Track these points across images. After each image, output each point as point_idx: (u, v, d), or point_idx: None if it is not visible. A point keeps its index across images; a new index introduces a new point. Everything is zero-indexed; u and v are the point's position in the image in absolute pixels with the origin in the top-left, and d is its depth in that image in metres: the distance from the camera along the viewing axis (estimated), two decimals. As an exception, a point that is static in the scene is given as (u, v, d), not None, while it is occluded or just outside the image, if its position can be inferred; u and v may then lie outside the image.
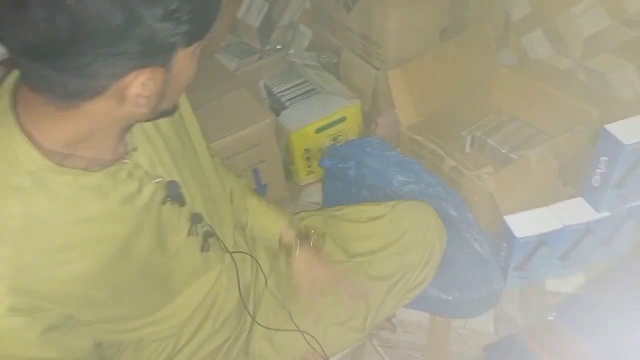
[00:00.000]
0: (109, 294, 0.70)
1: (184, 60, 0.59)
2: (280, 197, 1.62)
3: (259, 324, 0.98)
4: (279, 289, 1.05)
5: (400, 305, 1.09)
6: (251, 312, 0.99)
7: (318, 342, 0.99)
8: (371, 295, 1.04)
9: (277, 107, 1.73)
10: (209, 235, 0.84)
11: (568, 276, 1.35)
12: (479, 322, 1.32)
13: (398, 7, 1.45)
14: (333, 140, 1.65)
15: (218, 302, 0.92)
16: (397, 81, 1.46)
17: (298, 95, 1.75)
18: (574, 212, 1.23)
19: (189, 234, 0.80)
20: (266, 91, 1.87)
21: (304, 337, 0.99)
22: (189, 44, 0.58)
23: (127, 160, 0.68)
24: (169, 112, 0.68)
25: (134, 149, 0.70)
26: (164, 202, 0.74)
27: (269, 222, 1.02)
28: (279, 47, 1.93)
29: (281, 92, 1.78)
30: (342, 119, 1.63)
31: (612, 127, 1.08)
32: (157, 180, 0.72)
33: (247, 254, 0.98)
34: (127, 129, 0.66)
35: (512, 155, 1.50)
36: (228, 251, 0.90)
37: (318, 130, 1.61)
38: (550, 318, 1.23)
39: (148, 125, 0.73)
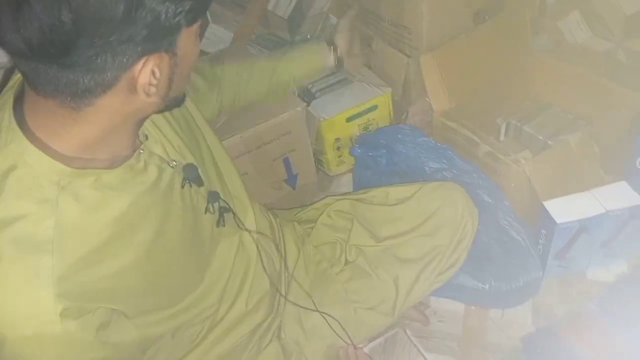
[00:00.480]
0: (149, 282, 0.72)
1: (187, 42, 0.61)
2: (311, 187, 1.61)
3: (289, 301, 0.98)
4: (307, 273, 1.04)
5: (432, 289, 1.06)
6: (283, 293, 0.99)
7: (345, 327, 0.98)
8: (401, 279, 1.02)
9: (307, 98, 1.72)
10: (224, 210, 0.85)
11: (610, 265, 1.30)
12: (517, 312, 1.27)
13: (430, -11, 1.41)
14: (364, 130, 1.62)
15: (249, 278, 0.92)
16: (429, 66, 1.43)
17: (328, 86, 1.73)
18: (617, 196, 1.17)
19: (205, 212, 0.82)
20: (295, 83, 1.86)
21: (332, 320, 0.98)
22: (191, 22, 0.59)
23: (142, 151, 0.70)
24: (179, 100, 0.70)
25: (146, 138, 0.72)
26: (182, 185, 0.75)
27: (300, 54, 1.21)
28: (308, 37, 1.91)
29: (311, 82, 1.76)
30: (373, 108, 1.61)
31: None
32: (173, 164, 0.74)
33: (266, 235, 0.98)
34: (141, 122, 0.68)
35: (549, 142, 1.44)
36: (246, 229, 0.91)
37: (348, 119, 1.59)
38: (592, 308, 1.19)
39: None
